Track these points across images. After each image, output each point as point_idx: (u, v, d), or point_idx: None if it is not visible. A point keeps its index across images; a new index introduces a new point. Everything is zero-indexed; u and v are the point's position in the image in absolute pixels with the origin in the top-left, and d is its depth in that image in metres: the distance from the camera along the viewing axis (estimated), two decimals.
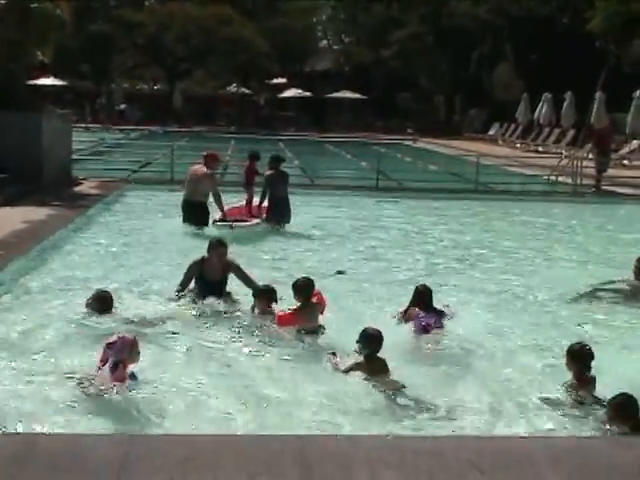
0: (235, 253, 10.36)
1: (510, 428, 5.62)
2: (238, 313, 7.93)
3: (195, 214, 12.87)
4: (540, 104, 37.24)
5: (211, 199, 12.98)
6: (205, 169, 13.09)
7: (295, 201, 13.97)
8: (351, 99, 53.77)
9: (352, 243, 12.96)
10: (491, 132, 43.18)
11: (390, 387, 6.13)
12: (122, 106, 52.38)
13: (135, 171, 21.91)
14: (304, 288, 7.51)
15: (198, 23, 50.29)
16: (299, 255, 11.74)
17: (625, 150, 29.23)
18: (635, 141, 29.54)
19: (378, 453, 4.35)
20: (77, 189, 17.51)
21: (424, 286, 7.95)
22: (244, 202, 14.07)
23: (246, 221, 13.31)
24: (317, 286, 7.79)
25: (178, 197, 13.46)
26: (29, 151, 16.27)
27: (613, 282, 9.72)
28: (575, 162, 22.13)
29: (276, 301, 7.73)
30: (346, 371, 6.39)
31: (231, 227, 12.59)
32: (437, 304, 7.86)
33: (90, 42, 50.12)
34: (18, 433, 4.83)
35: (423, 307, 7.69)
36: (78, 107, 46.04)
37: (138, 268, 10.32)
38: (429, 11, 50.49)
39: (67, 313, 7.74)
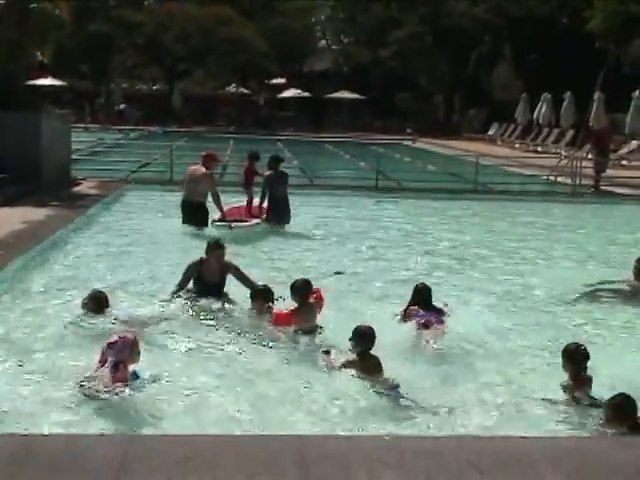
0: (235, 253, 10.40)
1: (506, 428, 5.63)
2: (236, 314, 7.94)
3: (194, 214, 12.87)
4: (539, 104, 37.24)
5: (210, 199, 12.98)
6: (204, 169, 13.10)
7: (294, 201, 13.98)
8: (350, 99, 53.79)
9: (351, 243, 12.97)
10: (490, 132, 43.18)
11: (384, 385, 6.14)
12: (121, 106, 52.38)
13: (134, 171, 21.90)
14: (301, 289, 7.52)
15: (197, 23, 50.29)
16: (299, 255, 11.74)
17: (624, 150, 29.24)
18: (634, 141, 29.54)
19: (377, 453, 4.35)
20: (76, 189, 17.50)
21: (423, 285, 7.98)
22: (244, 202, 14.09)
23: (245, 221, 13.32)
24: (317, 286, 7.80)
25: (177, 197, 13.47)
26: (28, 151, 16.27)
27: (612, 282, 9.74)
28: (574, 162, 22.13)
29: (273, 302, 7.73)
30: (339, 369, 6.39)
31: (230, 227, 12.61)
32: (436, 303, 7.88)
33: (89, 42, 50.11)
34: (17, 433, 4.82)
35: (422, 305, 7.71)
36: (77, 107, 46.03)
37: (137, 268, 10.32)
38: (428, 11, 50.50)
39: (65, 313, 7.73)
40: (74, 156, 21.15)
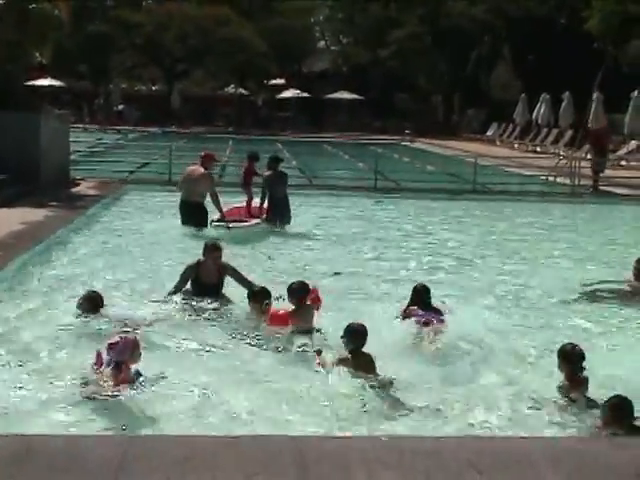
0: (233, 253, 10.42)
1: (501, 427, 5.64)
2: (233, 315, 7.95)
3: (193, 215, 12.88)
4: (538, 104, 37.24)
5: (208, 199, 12.99)
6: (202, 170, 13.11)
7: (293, 201, 13.99)
8: (349, 99, 53.80)
9: (350, 243, 12.96)
10: (489, 132, 43.18)
11: (378, 382, 6.14)
12: (120, 107, 52.37)
13: (133, 172, 21.90)
14: (298, 291, 7.52)
15: (196, 23, 50.28)
16: (297, 255, 11.75)
17: (623, 151, 29.26)
18: (633, 142, 29.56)
19: (376, 453, 4.34)
20: (75, 190, 17.50)
21: (422, 285, 7.99)
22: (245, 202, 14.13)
23: (244, 221, 13.33)
24: (315, 286, 7.80)
25: (176, 198, 13.48)
26: (27, 152, 16.26)
27: (612, 282, 9.75)
28: (573, 162, 22.14)
29: (270, 303, 7.73)
30: (332, 367, 6.40)
31: (228, 228, 12.62)
32: (435, 303, 7.89)
33: (88, 42, 50.10)
34: (17, 434, 4.82)
35: (421, 306, 7.72)
36: (76, 108, 46.02)
37: (135, 269, 10.32)
38: (427, 11, 50.52)
39: (63, 313, 7.73)
40: (73, 156, 21.13)
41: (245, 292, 8.18)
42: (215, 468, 4.10)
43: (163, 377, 5.96)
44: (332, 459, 4.27)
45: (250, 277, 8.75)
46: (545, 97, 36.69)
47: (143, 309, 7.99)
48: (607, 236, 14.45)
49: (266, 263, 11.07)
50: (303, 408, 5.80)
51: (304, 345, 7.02)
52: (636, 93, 29.86)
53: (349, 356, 6.42)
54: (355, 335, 6.50)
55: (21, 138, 16.43)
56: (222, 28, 50.23)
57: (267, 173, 13.63)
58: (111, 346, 5.86)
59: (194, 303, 8.14)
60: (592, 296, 9.36)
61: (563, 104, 34.74)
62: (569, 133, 34.02)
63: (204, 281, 8.45)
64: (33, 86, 43.18)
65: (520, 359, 7.13)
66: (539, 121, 37.31)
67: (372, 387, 6.07)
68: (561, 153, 28.87)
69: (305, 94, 54.33)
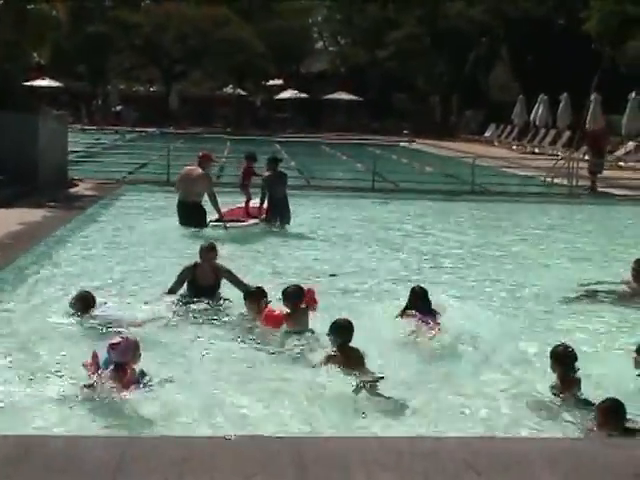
0: (231, 253, 10.44)
1: (490, 428, 5.65)
2: (229, 316, 7.96)
3: (191, 215, 12.89)
4: (536, 105, 37.27)
5: (206, 198, 13.01)
6: (200, 170, 13.12)
7: (291, 202, 13.99)
8: (347, 100, 53.79)
9: (349, 243, 12.97)
10: (487, 133, 43.19)
11: (368, 377, 6.17)
12: (118, 107, 52.34)
13: (131, 172, 21.90)
14: (293, 295, 7.53)
15: (194, 24, 50.23)
16: (295, 255, 11.75)
17: (621, 152, 29.29)
18: (631, 142, 29.60)
19: (374, 454, 4.35)
20: (73, 190, 17.49)
21: (420, 287, 8.01)
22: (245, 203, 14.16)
23: (242, 221, 13.35)
24: (311, 287, 7.81)
25: (174, 198, 13.48)
26: (25, 152, 16.26)
27: (610, 283, 9.75)
28: (571, 163, 22.16)
29: (266, 303, 7.74)
30: (320, 364, 6.44)
31: (226, 228, 12.65)
32: (433, 304, 7.90)
33: (86, 43, 50.05)
34: (14, 434, 4.81)
35: (419, 308, 7.72)
36: (74, 108, 45.98)
37: (133, 269, 10.32)
38: (425, 12, 50.54)
39: (57, 313, 7.74)
40: (71, 157, 21.12)
41: (241, 294, 8.19)
42: (213, 469, 4.10)
43: (167, 379, 5.94)
44: (331, 460, 4.27)
45: (247, 278, 8.75)
46: (543, 98, 36.72)
47: (138, 310, 7.99)
48: (605, 237, 14.47)
49: (262, 263, 11.08)
50: (299, 407, 5.82)
51: (298, 346, 7.03)
52: (634, 94, 29.90)
53: (337, 352, 6.45)
54: (341, 330, 6.54)
55: (19, 139, 16.42)
56: (220, 29, 50.21)
57: (267, 173, 13.67)
58: (113, 346, 5.84)
59: (190, 304, 8.14)
60: (590, 296, 9.37)
61: (561, 105, 34.78)
62: (567, 134, 34.04)
63: (201, 283, 8.45)
64: (31, 86, 43.14)
65: (517, 359, 7.15)
66: (537, 122, 37.34)
67: (362, 382, 6.10)
68: (559, 154, 28.88)
69: (303, 95, 54.32)
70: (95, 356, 5.93)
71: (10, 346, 6.87)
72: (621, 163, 28.14)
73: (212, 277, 8.50)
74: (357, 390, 6.02)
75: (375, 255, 12.11)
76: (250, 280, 8.62)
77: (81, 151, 27.11)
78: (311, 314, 7.50)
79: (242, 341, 7.27)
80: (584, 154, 24.18)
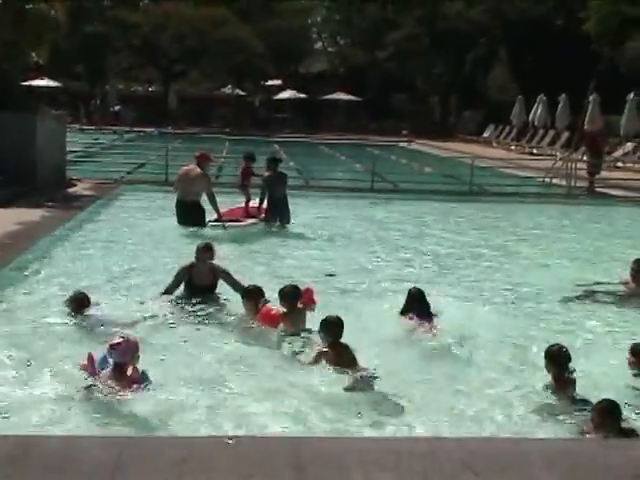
0: (229, 253, 10.44)
1: (482, 428, 5.66)
2: (226, 316, 7.97)
3: (190, 214, 12.90)
4: (535, 106, 37.30)
5: (204, 198, 13.02)
6: (199, 170, 13.14)
7: (290, 202, 13.99)
8: (345, 101, 53.79)
9: (348, 243, 12.98)
10: (486, 134, 43.21)
11: (360, 373, 6.20)
12: (117, 107, 52.32)
13: (130, 172, 21.89)
14: (290, 296, 7.53)
15: (193, 24, 50.22)
16: (294, 255, 11.76)
17: (619, 152, 29.31)
18: (629, 143, 29.62)
19: (372, 455, 4.35)
20: (71, 190, 17.48)
21: (417, 289, 8.02)
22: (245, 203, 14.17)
23: (241, 221, 13.37)
24: (309, 284, 7.82)
25: (173, 198, 13.50)
26: (24, 152, 16.24)
27: (609, 284, 9.76)
28: (569, 164, 22.18)
29: (265, 302, 7.74)
30: (313, 362, 6.47)
31: (224, 227, 12.67)
32: (431, 305, 7.91)
33: (85, 43, 50.03)
34: (13, 434, 4.82)
35: (417, 309, 7.73)
36: (73, 108, 45.97)
37: (131, 269, 10.31)
38: (424, 13, 50.56)
39: (53, 313, 7.75)
40: (70, 157, 21.11)
41: (238, 295, 8.20)
42: (211, 469, 4.11)
43: (153, 378, 5.95)
44: (328, 460, 4.27)
45: (245, 278, 8.74)
46: (542, 99, 36.74)
47: (134, 310, 8.01)
48: (603, 237, 14.48)
49: (260, 262, 11.08)
50: (296, 406, 5.83)
51: (294, 346, 7.04)
52: (632, 95, 29.92)
53: (328, 349, 6.48)
54: (331, 327, 6.58)
55: (17, 139, 16.41)
56: (219, 29, 50.19)
57: (267, 174, 13.69)
58: (114, 347, 5.84)
59: (186, 304, 8.14)
60: (588, 297, 9.39)
61: (559, 106, 34.80)
62: (565, 135, 34.07)
63: (197, 283, 8.45)
64: (30, 86, 43.10)
65: (516, 358, 7.15)
66: (536, 123, 37.36)
67: (355, 378, 6.14)
68: (557, 155, 28.89)
69: (302, 95, 54.31)
70: (91, 358, 5.93)
71: (8, 346, 6.87)
72: (619, 164, 28.16)
73: (209, 277, 8.49)
74: (350, 387, 6.04)
75: (374, 255, 12.11)
76: (248, 280, 8.61)
77: (80, 151, 27.09)
78: (309, 314, 7.51)
79: (239, 341, 7.27)
80: (582, 155, 24.20)
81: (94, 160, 26.52)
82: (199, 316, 7.93)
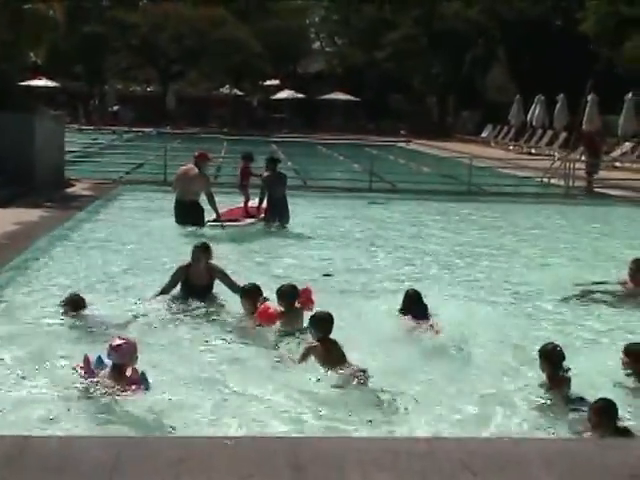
0: (229, 253, 10.43)
1: (480, 427, 5.67)
2: (223, 316, 7.98)
3: (189, 214, 12.92)
4: (533, 106, 37.33)
5: (202, 197, 13.02)
6: (197, 169, 13.15)
7: (289, 202, 13.99)
8: (344, 101, 53.78)
9: (346, 243, 12.99)
10: (484, 134, 43.24)
11: (349, 369, 6.23)
12: (115, 107, 52.31)
13: (128, 172, 21.88)
14: (288, 295, 7.54)
15: (191, 24, 50.21)
16: (293, 255, 11.77)
17: (617, 152, 29.34)
18: (627, 143, 29.65)
19: (371, 455, 4.35)
20: (70, 190, 17.48)
21: (414, 290, 8.05)
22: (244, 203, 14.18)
23: (239, 221, 13.38)
24: (307, 284, 7.82)
25: (172, 198, 13.50)
26: (22, 152, 16.23)
27: (607, 283, 9.77)
28: (567, 164, 22.19)
29: (265, 300, 7.74)
30: (301, 357, 6.51)
31: (222, 227, 12.68)
32: (429, 307, 7.93)
33: (83, 43, 50.00)
34: (10, 435, 4.81)
35: (414, 310, 7.74)
36: (71, 108, 45.94)
37: (128, 269, 10.31)
38: (422, 13, 50.58)
39: (56, 314, 7.73)
40: (68, 157, 21.10)
41: (235, 295, 8.20)
42: (210, 469, 4.11)
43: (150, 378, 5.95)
44: (327, 460, 4.27)
45: (243, 277, 8.75)
46: (540, 99, 36.76)
47: (131, 310, 8.00)
48: (601, 237, 14.49)
49: (258, 262, 11.09)
50: (293, 406, 5.86)
51: (290, 346, 7.05)
52: (630, 95, 29.94)
53: (318, 344, 6.51)
54: (321, 322, 6.62)
55: (16, 139, 16.39)
56: (217, 29, 50.18)
57: (266, 174, 13.70)
58: (115, 349, 5.84)
59: (183, 304, 8.14)
60: (586, 296, 9.39)
61: (558, 106, 34.83)
62: (563, 135, 34.10)
63: (194, 283, 8.44)
64: (28, 86, 43.09)
65: (515, 358, 7.15)
66: (534, 123, 37.38)
67: (344, 374, 6.18)
68: (555, 155, 28.92)
69: (300, 95, 54.31)
70: (87, 359, 5.93)
71: (6, 346, 6.86)
72: (617, 164, 28.18)
73: (206, 277, 8.48)
74: (341, 383, 6.07)
75: (372, 255, 12.12)
76: (247, 280, 8.61)
77: (78, 151, 27.08)
78: (306, 313, 7.51)
79: (236, 341, 7.28)
80: (580, 155, 24.22)
81: (93, 160, 26.50)
82: (196, 316, 7.93)
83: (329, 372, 6.26)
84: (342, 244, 12.94)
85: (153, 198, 16.55)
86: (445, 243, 13.31)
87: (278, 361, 6.75)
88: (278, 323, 7.45)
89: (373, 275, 10.61)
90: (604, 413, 5.40)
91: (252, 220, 13.54)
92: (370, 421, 5.67)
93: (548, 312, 8.91)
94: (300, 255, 11.79)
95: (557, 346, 6.33)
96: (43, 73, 49.99)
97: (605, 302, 9.24)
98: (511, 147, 37.86)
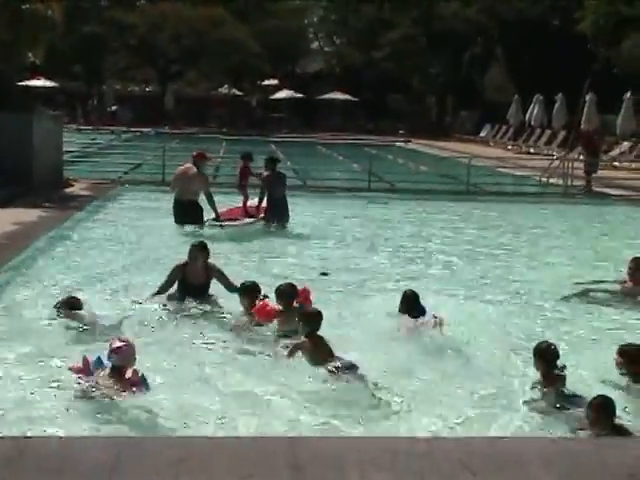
0: (227, 252, 10.43)
1: (480, 427, 5.67)
2: (219, 314, 7.98)
3: (188, 213, 12.92)
4: (531, 105, 37.34)
5: (202, 197, 13.02)
6: (196, 169, 13.15)
7: (288, 202, 13.99)
8: (342, 100, 53.77)
9: (345, 243, 12.99)
10: (482, 133, 43.26)
11: (337, 364, 6.27)
12: (114, 107, 52.28)
13: (126, 172, 21.87)
14: (287, 294, 7.54)
15: (190, 24, 50.19)
16: (292, 254, 11.78)
17: (616, 152, 29.36)
18: (625, 142, 29.66)
19: (370, 454, 4.35)
20: (68, 191, 17.47)
21: (411, 291, 8.04)
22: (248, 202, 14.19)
23: (239, 220, 13.39)
24: (306, 284, 7.82)
25: (170, 198, 13.50)
26: (20, 153, 16.22)
27: (606, 282, 9.78)
28: (566, 163, 22.20)
29: (265, 297, 7.75)
30: (289, 353, 6.55)
31: (221, 226, 12.68)
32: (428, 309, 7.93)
33: (82, 43, 49.98)
34: (9, 436, 4.81)
35: (411, 311, 7.74)
36: (70, 108, 45.91)
37: (127, 269, 10.31)
38: (420, 13, 50.58)
39: (54, 315, 7.73)
40: (66, 157, 21.09)
41: (231, 294, 8.20)
42: (209, 469, 4.10)
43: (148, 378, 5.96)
44: (326, 460, 4.27)
45: (242, 277, 8.74)
46: (538, 98, 36.78)
47: (129, 309, 8.00)
48: (600, 237, 14.50)
49: (257, 261, 11.09)
50: (290, 404, 5.87)
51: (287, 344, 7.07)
52: (629, 94, 29.96)
53: (306, 340, 6.54)
54: (309, 318, 6.67)
55: (14, 139, 16.38)
56: (216, 29, 50.16)
57: (266, 174, 13.70)
58: (116, 351, 5.85)
59: (181, 304, 8.13)
60: (586, 295, 9.40)
61: (556, 105, 34.85)
62: (562, 134, 34.13)
63: (191, 282, 8.43)
64: (27, 87, 43.03)
65: (514, 357, 7.15)
66: (532, 122, 37.40)
67: (333, 369, 6.21)
68: (554, 154, 28.93)
69: (299, 95, 54.29)
70: (86, 360, 5.92)
71: (4, 346, 6.86)
72: (616, 163, 28.20)
73: (203, 276, 8.48)
74: (330, 377, 6.10)
75: (371, 254, 12.12)
76: (246, 279, 8.60)
77: (76, 151, 27.06)
78: None
79: (233, 340, 7.27)
80: (579, 154, 24.24)
81: (91, 160, 26.49)
82: (193, 315, 7.93)
83: (318, 367, 6.29)
84: (341, 244, 12.93)
85: (151, 198, 16.55)
86: (444, 242, 13.31)
87: (272, 358, 6.76)
88: (276, 322, 7.44)
89: (372, 274, 10.60)
90: (603, 409, 5.42)
91: (251, 220, 13.54)
92: (369, 420, 5.67)
93: (547, 311, 8.91)
94: (299, 254, 11.79)
95: (551, 344, 6.37)
96: (41, 73, 49.95)
97: (604, 301, 9.25)
98: (510, 147, 37.87)
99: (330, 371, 6.20)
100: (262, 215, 13.55)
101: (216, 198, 13.17)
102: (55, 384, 5.97)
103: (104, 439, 4.94)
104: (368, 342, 7.12)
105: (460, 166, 23.42)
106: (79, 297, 7.84)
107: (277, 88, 56.25)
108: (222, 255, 10.10)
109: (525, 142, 37.32)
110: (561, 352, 6.46)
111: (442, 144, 38.51)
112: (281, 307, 7.51)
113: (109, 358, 5.87)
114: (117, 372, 5.80)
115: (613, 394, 5.76)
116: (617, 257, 11.38)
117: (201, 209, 13.05)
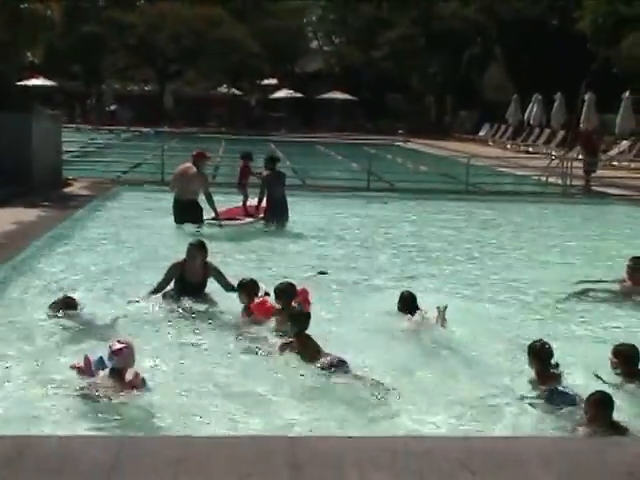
0: (226, 251, 10.44)
1: (479, 426, 5.67)
2: (217, 312, 7.98)
3: (187, 213, 12.93)
4: (530, 105, 37.35)
5: (201, 197, 13.02)
6: (195, 169, 13.15)
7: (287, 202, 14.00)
8: (341, 100, 53.77)
9: (344, 242, 12.99)
10: (481, 133, 43.27)
11: (326, 362, 6.29)
12: (113, 107, 52.26)
13: (126, 172, 21.87)
14: (286, 293, 7.54)
15: (189, 24, 50.17)
16: (292, 254, 11.78)
17: (615, 151, 29.36)
18: (624, 142, 29.67)
19: (369, 454, 4.35)
20: (67, 190, 17.47)
21: (408, 292, 8.05)
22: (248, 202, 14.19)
23: (238, 219, 13.40)
24: (304, 285, 7.82)
25: (169, 197, 13.50)
26: (19, 152, 16.21)
27: (605, 282, 9.78)
28: (565, 163, 22.21)
29: (257, 294, 7.75)
30: (278, 352, 6.60)
31: (220, 226, 12.69)
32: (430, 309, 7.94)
33: (81, 43, 49.95)
34: (8, 435, 4.81)
35: (409, 312, 7.74)
36: (68, 108, 45.88)
37: (126, 268, 10.31)
38: (419, 12, 50.58)
39: (52, 315, 7.72)
40: (65, 157, 21.08)
41: (229, 293, 8.20)
42: (208, 469, 4.11)
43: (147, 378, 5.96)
44: (325, 459, 4.28)
45: (241, 276, 8.74)
46: (537, 98, 36.79)
47: (127, 308, 8.00)
48: (599, 236, 14.50)
49: (256, 261, 11.09)
50: (288, 404, 5.87)
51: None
52: (627, 94, 29.97)
53: (294, 339, 6.59)
54: (297, 318, 6.71)
55: (13, 139, 16.37)
56: (215, 29, 50.13)
57: (266, 173, 13.70)
58: (116, 353, 5.85)
59: (177, 302, 8.13)
60: (585, 295, 9.40)
61: (555, 105, 34.86)
62: (561, 133, 34.13)
63: (189, 280, 8.43)
64: (25, 86, 43.02)
65: (513, 356, 7.15)
66: (531, 121, 37.42)
67: (321, 367, 6.25)
68: (553, 153, 28.94)
69: (298, 94, 54.28)
70: (87, 360, 5.92)
71: (3, 346, 6.86)
72: (615, 162, 28.21)
73: (200, 274, 8.47)
74: (320, 373, 6.14)
75: (371, 253, 12.13)
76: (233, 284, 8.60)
77: (76, 151, 27.05)
78: None
79: (231, 340, 7.27)
80: (578, 153, 24.24)
81: (90, 160, 26.48)
82: (190, 313, 7.91)
83: (306, 366, 6.32)
84: (340, 243, 12.94)
85: (151, 198, 16.54)
86: (443, 241, 13.31)
87: (275, 360, 6.75)
88: (274, 321, 7.44)
89: (372, 274, 10.60)
90: (601, 405, 5.43)
91: (251, 219, 13.54)
92: (369, 420, 5.68)
93: (546, 309, 8.92)
94: (299, 254, 11.80)
95: (545, 343, 6.40)
96: (40, 72, 49.91)
97: (603, 300, 9.25)
98: (509, 146, 37.87)
99: (319, 368, 6.22)
100: (262, 215, 13.56)
101: (215, 198, 13.16)
102: (55, 383, 5.96)
103: (103, 439, 4.95)
104: (367, 341, 7.13)
105: (459, 165, 23.42)
106: (74, 297, 7.83)
107: (276, 88, 56.24)
108: (221, 254, 10.10)
109: (524, 141, 37.33)
110: (560, 351, 6.48)
111: (441, 143, 38.51)
112: (280, 306, 7.50)
113: (109, 360, 5.88)
114: (117, 373, 5.80)
115: (613, 393, 5.76)
116: (616, 256, 11.39)
117: (201, 209, 13.06)
